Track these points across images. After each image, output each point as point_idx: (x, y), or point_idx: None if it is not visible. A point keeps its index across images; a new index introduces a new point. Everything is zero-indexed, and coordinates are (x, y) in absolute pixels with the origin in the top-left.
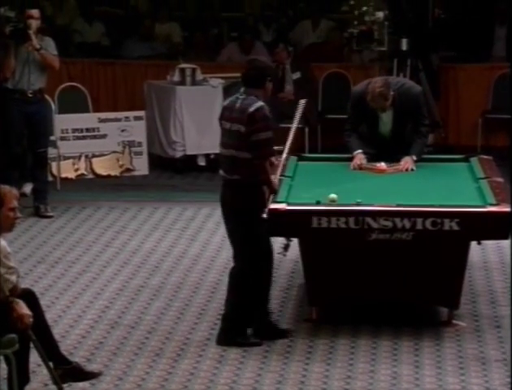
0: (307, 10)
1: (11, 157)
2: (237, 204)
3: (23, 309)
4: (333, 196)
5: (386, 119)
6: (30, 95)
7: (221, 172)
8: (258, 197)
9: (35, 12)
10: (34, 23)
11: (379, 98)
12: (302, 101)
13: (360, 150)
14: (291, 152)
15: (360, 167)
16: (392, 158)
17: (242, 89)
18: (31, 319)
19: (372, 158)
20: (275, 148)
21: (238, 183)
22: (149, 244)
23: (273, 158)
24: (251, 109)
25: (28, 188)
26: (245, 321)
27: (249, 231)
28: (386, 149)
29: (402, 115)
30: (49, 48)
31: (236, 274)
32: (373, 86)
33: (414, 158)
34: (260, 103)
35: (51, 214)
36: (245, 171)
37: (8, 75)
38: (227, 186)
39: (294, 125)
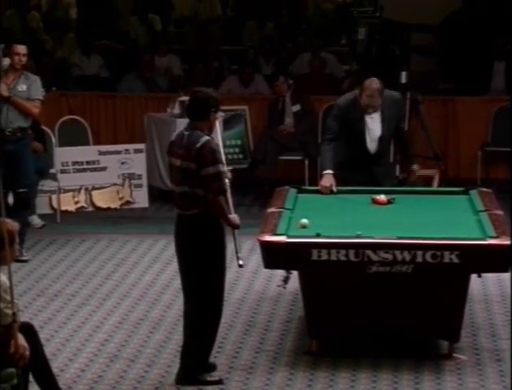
0: (307, 43)
1: None
2: (194, 238)
3: (20, 340)
4: (304, 221)
5: (372, 126)
6: (8, 133)
7: (176, 209)
8: (216, 231)
9: (22, 48)
10: (6, 62)
11: (377, 93)
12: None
13: (330, 171)
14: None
15: (331, 191)
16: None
17: (188, 123)
18: (27, 352)
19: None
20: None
21: (196, 217)
22: (149, 277)
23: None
24: (197, 145)
25: (35, 220)
26: (201, 358)
27: (205, 266)
28: (367, 161)
29: (389, 118)
30: (34, 89)
31: (187, 312)
32: (370, 83)
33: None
34: (205, 138)
35: (26, 258)
36: (203, 206)
37: None
38: (184, 222)
39: None
